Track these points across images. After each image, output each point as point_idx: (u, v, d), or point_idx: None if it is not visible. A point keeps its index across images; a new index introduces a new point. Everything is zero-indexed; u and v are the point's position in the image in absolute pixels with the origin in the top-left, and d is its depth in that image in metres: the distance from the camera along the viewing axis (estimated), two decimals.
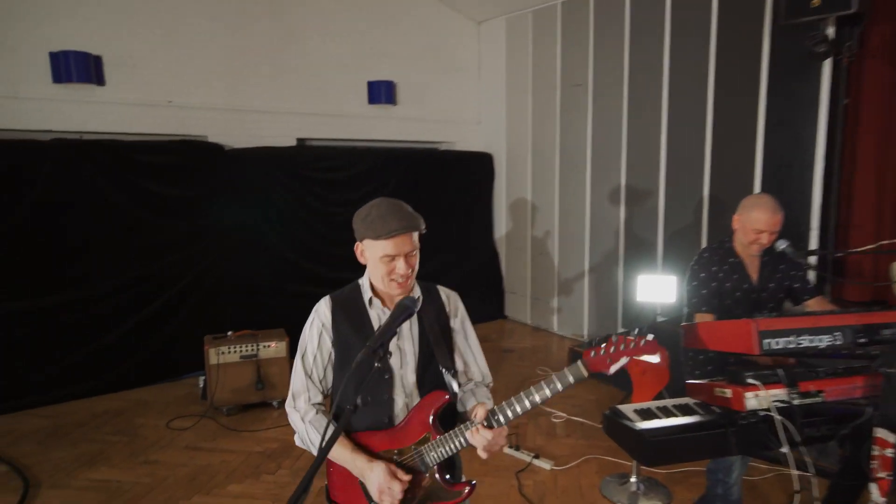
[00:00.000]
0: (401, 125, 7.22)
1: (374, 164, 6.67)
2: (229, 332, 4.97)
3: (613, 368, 1.66)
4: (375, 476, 1.72)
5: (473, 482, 1.82)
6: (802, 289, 2.80)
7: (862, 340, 1.94)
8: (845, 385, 2.04)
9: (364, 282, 1.93)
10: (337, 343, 1.88)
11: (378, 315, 1.89)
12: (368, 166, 6.63)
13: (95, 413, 4.80)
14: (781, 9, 4.26)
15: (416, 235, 1.83)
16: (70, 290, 5.08)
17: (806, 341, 1.92)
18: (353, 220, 1.84)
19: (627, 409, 2.36)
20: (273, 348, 4.83)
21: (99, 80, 5.41)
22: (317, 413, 1.85)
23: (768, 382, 2.05)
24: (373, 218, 1.77)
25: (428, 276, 7.94)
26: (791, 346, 1.92)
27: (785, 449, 1.98)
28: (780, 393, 2.03)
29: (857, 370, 2.07)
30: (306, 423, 1.83)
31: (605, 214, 6.29)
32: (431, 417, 1.78)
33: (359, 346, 1.82)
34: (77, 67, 5.21)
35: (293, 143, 6.46)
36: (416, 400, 1.83)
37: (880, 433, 1.90)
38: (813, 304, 2.78)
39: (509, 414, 1.73)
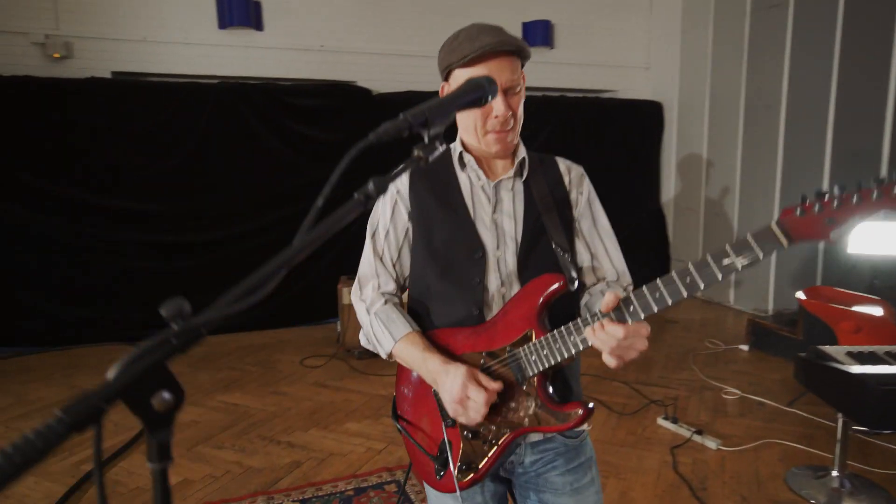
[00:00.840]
0: (558, 71, 6.60)
1: (526, 111, 6.12)
2: None
3: (836, 232, 0.97)
4: (451, 381, 1.24)
5: (591, 404, 1.25)
6: None
7: None
8: None
9: (457, 141, 1.45)
10: (415, 216, 1.42)
11: (471, 180, 1.40)
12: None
13: (241, 345, 4.94)
14: None
15: (519, 67, 1.31)
16: (220, 228, 5.28)
17: None
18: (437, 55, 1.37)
19: (836, 350, 1.65)
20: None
21: (258, 25, 5.54)
22: (385, 303, 1.41)
23: None
24: (460, 40, 1.27)
25: None
26: None
27: None
28: None
29: None
30: (371, 316, 1.39)
31: (802, 169, 5.15)
32: (538, 309, 1.25)
33: (442, 219, 1.37)
34: (238, 12, 5.36)
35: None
36: (516, 290, 1.33)
37: None
38: None
39: (652, 303, 1.10)
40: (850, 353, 1.58)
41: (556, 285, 1.25)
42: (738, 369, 4.24)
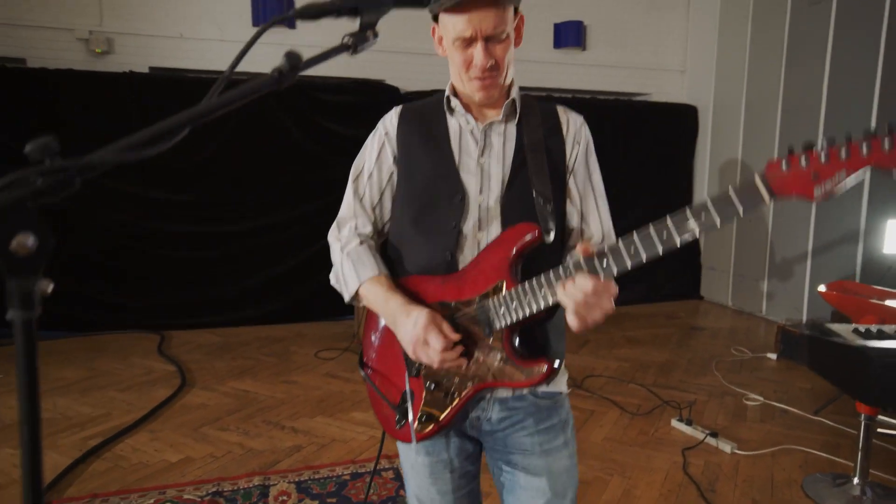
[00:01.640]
0: (589, 73, 6.51)
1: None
2: None
3: (820, 191, 0.91)
4: (411, 323, 1.20)
5: (557, 362, 1.20)
6: None
7: None
8: None
9: (448, 85, 1.42)
10: (400, 159, 1.40)
11: (460, 125, 1.36)
12: None
13: (259, 336, 4.99)
14: None
15: (506, 13, 1.27)
16: (248, 220, 5.37)
17: None
18: None
19: (841, 327, 1.55)
20: None
21: (291, 23, 5.64)
22: (360, 244, 1.37)
23: None
24: None
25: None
26: None
27: None
28: None
29: None
30: (343, 254, 1.37)
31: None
32: (511, 259, 1.20)
33: (427, 165, 1.34)
34: (273, 10, 5.48)
35: None
36: (494, 235, 1.28)
37: None
38: None
39: (626, 258, 1.06)
40: (856, 330, 1.48)
41: (529, 235, 1.20)
42: (763, 377, 4.05)
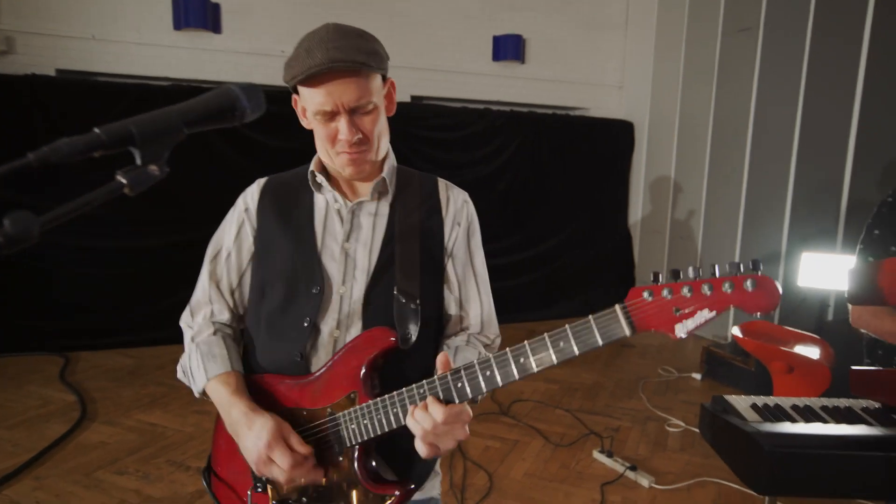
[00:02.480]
0: (528, 86, 6.48)
1: (490, 126, 6.02)
2: None
3: (682, 330, 0.85)
4: (254, 437, 1.07)
5: (412, 485, 1.10)
6: None
7: None
8: None
9: (315, 158, 1.28)
10: (259, 237, 1.26)
11: (328, 203, 1.24)
12: (484, 127, 5.99)
13: (175, 358, 4.62)
14: None
15: (373, 80, 1.14)
16: (165, 235, 5.08)
17: None
18: None
19: (741, 402, 1.50)
20: None
21: (215, 27, 5.38)
22: (214, 334, 1.23)
23: None
24: (299, 52, 1.10)
25: (549, 255, 6.95)
26: None
27: None
28: None
29: None
30: (193, 345, 1.23)
31: (765, 197, 5.03)
32: (364, 368, 1.08)
33: (285, 249, 1.20)
34: (195, 13, 5.20)
35: (407, 99, 6.02)
36: (354, 335, 1.15)
37: None
38: None
39: (481, 383, 0.98)
40: (755, 406, 1.42)
41: (384, 343, 1.09)
42: (686, 399, 4.08)
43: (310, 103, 1.12)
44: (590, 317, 0.90)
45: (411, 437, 1.04)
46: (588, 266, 6.49)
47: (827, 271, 3.43)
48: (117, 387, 4.09)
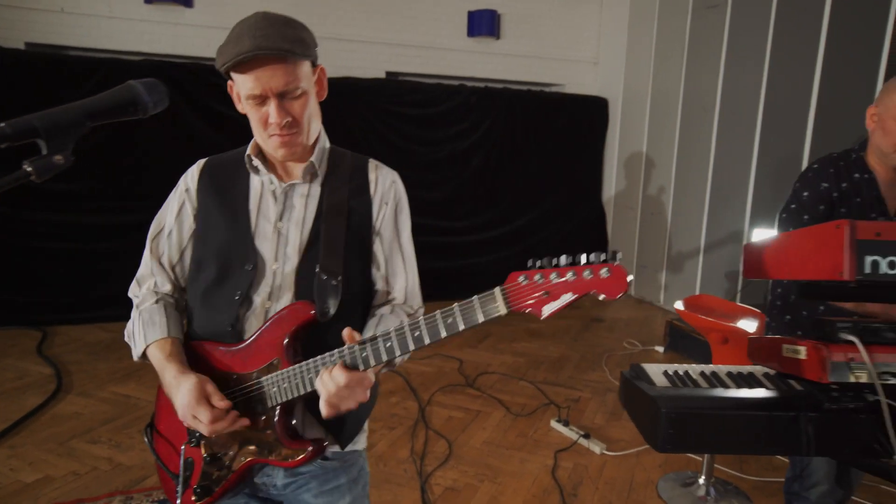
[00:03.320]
0: (503, 62, 6.51)
1: (464, 102, 6.05)
2: None
3: (547, 310, 0.98)
4: (181, 396, 1.18)
5: (325, 442, 1.23)
6: None
7: None
8: None
9: (252, 141, 1.37)
10: (198, 219, 1.35)
11: (263, 185, 1.33)
12: (459, 103, 6.03)
13: None
14: None
15: (301, 66, 1.22)
16: (145, 211, 5.10)
17: None
18: None
19: (655, 369, 1.61)
20: None
21: (187, 2, 5.35)
22: (156, 303, 1.33)
23: (878, 342, 1.22)
24: (229, 39, 1.19)
25: (523, 232, 7.01)
26: None
27: None
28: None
29: None
30: (137, 312, 1.33)
31: (731, 172, 5.14)
32: (286, 338, 1.20)
33: (221, 228, 1.30)
34: None
35: (382, 76, 6.03)
36: (283, 305, 1.26)
37: None
38: None
39: (382, 353, 1.11)
40: (667, 373, 1.54)
41: (303, 316, 1.20)
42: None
43: (241, 88, 1.21)
44: (474, 297, 1.02)
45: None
46: (562, 242, 6.60)
47: None
48: (94, 360, 4.18)
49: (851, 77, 4.18)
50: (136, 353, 1.30)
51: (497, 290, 1.01)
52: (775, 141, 4.75)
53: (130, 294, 1.38)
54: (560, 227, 6.59)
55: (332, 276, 1.24)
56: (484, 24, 6.22)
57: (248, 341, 1.24)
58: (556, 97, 6.62)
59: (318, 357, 1.16)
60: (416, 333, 1.07)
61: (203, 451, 1.25)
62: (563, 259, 0.98)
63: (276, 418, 1.20)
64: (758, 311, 2.66)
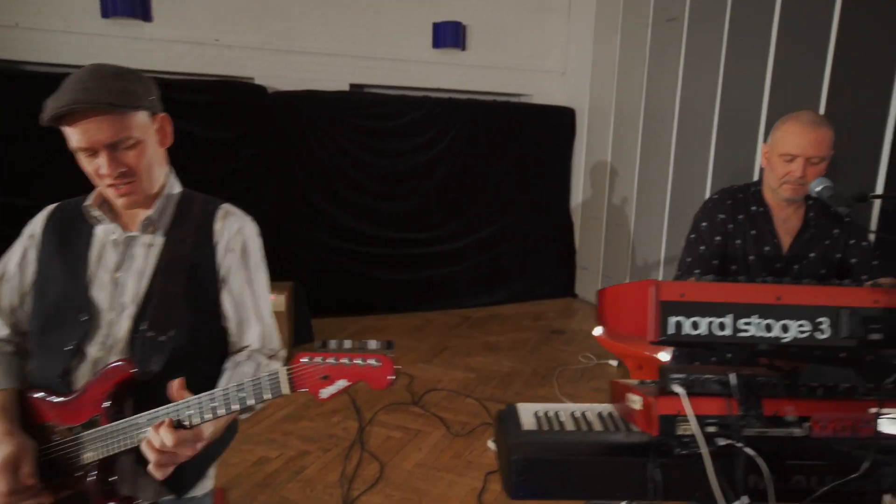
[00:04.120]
0: (469, 73, 6.51)
1: (429, 113, 6.05)
2: None
3: (324, 393, 1.05)
4: None
5: (134, 500, 1.23)
6: (862, 265, 1.80)
7: (876, 336, 1.04)
8: (847, 413, 1.14)
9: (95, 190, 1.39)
10: (40, 262, 1.36)
11: (105, 236, 1.34)
12: (423, 114, 6.02)
13: None
14: None
15: (131, 117, 1.23)
16: None
17: (754, 327, 1.06)
18: None
19: (527, 409, 1.60)
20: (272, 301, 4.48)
21: (145, 15, 5.34)
22: None
23: (710, 392, 1.22)
24: (57, 92, 1.20)
25: (491, 242, 7.03)
26: (721, 331, 1.07)
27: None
28: (729, 416, 1.19)
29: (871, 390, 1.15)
30: None
31: (689, 184, 5.15)
32: (108, 395, 1.20)
33: (59, 278, 1.30)
34: (123, 1, 5.15)
35: (346, 88, 6.03)
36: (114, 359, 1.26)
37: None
38: None
39: (208, 412, 1.13)
40: (536, 413, 1.54)
41: (124, 376, 1.20)
42: (597, 386, 4.23)
43: (71, 141, 1.22)
44: (263, 375, 1.07)
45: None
46: (529, 252, 6.60)
47: None
48: None
49: (797, 90, 4.19)
50: None
51: (283, 370, 1.06)
52: (729, 154, 4.76)
53: None
54: (527, 238, 6.58)
55: (161, 332, 1.24)
56: (449, 36, 6.23)
57: (75, 395, 1.23)
58: (521, 107, 6.63)
59: (145, 413, 1.15)
60: (229, 399, 1.11)
61: None
62: (349, 343, 1.02)
63: (91, 475, 1.19)
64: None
